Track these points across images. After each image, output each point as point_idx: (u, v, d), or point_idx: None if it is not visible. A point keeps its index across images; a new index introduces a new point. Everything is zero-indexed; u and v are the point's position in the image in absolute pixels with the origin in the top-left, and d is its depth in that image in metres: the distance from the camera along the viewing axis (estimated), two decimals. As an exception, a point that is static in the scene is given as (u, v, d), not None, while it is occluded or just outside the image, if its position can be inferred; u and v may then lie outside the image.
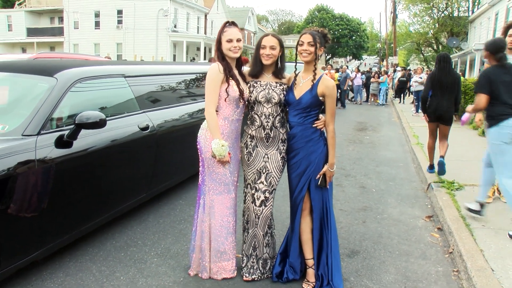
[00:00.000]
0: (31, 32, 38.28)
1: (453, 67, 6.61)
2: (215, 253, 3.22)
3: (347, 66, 24.18)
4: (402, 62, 49.92)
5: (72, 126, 3.21)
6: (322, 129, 3.12)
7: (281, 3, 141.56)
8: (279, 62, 3.17)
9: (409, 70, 27.62)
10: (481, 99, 4.08)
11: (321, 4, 64.49)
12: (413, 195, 5.71)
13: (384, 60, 41.69)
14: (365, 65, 67.37)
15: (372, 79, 21.32)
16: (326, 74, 16.64)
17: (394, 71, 27.33)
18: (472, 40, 29.41)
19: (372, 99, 21.73)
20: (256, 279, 3.25)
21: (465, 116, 4.59)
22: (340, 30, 62.52)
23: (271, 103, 3.11)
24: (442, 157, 5.88)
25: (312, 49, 3.00)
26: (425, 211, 5.07)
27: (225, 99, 3.11)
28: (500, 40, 4.26)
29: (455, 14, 35.42)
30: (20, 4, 40.80)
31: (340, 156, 8.06)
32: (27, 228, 2.92)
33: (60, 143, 3.15)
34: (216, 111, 3.12)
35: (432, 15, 36.14)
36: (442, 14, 35.31)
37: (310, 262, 3.19)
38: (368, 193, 5.71)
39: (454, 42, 27.36)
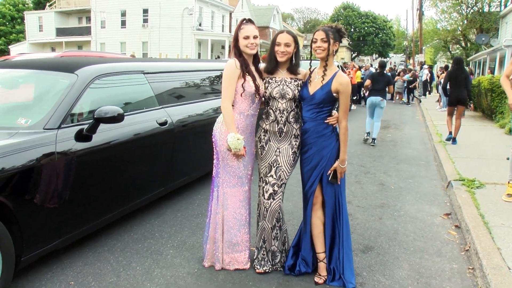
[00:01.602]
0: (60, 32, 39.38)
1: (471, 66, 8.84)
2: (228, 244, 3.29)
3: (371, 64, 23.85)
4: (429, 60, 48.91)
5: (91, 121, 3.33)
6: (334, 125, 3.14)
7: (307, 1, 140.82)
8: (293, 58, 3.21)
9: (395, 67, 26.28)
10: (367, 81, 9.12)
11: (346, 2, 63.84)
12: (432, 192, 5.64)
13: (411, 58, 40.94)
14: (390, 63, 66.36)
15: (397, 77, 20.99)
16: (349, 72, 16.53)
17: (421, 68, 26.84)
18: (503, 36, 28.14)
19: (397, 97, 21.40)
20: (267, 271, 3.29)
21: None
22: (366, 28, 61.83)
23: (285, 98, 3.15)
24: (451, 132, 8.76)
25: (325, 45, 3.02)
26: (443, 208, 5.01)
27: (241, 94, 3.17)
28: (383, 61, 9.74)
29: (486, 9, 34.37)
30: (50, 5, 41.96)
31: (361, 154, 8.02)
32: (48, 218, 3.04)
33: (80, 136, 3.27)
34: (232, 105, 3.18)
35: (460, 11, 35.21)
36: (471, 10, 34.35)
37: (321, 256, 3.21)
38: (386, 190, 5.68)
39: (483, 38, 26.56)
